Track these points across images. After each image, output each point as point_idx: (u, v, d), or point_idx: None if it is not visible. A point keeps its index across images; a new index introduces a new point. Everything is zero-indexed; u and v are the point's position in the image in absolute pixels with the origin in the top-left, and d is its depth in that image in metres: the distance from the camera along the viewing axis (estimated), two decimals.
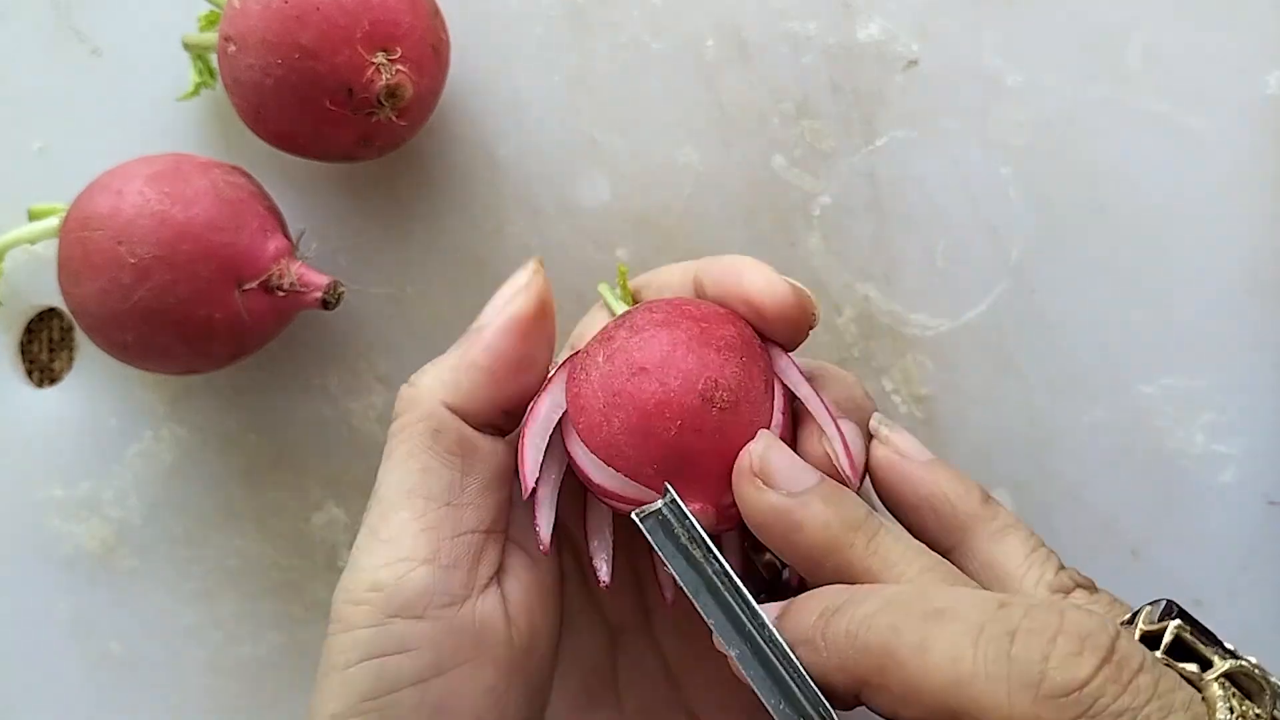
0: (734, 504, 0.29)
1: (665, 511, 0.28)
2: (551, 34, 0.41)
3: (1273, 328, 0.39)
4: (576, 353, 0.31)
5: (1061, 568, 0.29)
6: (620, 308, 0.33)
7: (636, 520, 0.28)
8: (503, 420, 0.32)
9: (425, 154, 0.41)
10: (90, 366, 0.43)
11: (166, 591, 0.43)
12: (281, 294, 0.37)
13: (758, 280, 0.31)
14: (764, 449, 0.29)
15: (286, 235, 0.38)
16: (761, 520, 0.28)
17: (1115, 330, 0.39)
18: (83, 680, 0.43)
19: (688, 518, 0.28)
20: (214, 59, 0.39)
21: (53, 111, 0.43)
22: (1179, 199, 0.39)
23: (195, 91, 0.41)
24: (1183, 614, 0.26)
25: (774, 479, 0.28)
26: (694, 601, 0.28)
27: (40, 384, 0.44)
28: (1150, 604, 0.27)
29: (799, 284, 0.31)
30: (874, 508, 0.30)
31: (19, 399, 0.43)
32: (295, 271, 0.37)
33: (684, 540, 0.28)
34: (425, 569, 0.29)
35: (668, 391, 0.29)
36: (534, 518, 0.31)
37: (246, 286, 0.36)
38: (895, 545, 0.28)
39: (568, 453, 0.31)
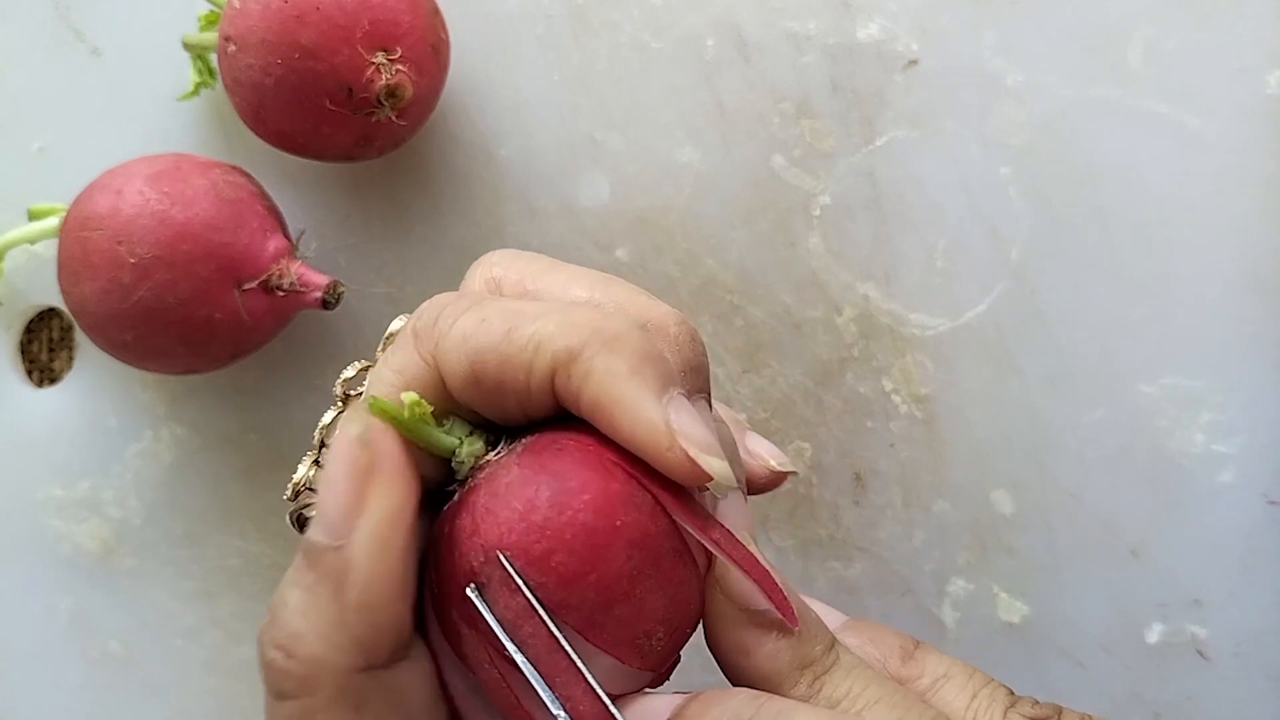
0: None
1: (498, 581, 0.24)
2: (551, 34, 0.41)
3: (1273, 328, 0.39)
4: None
5: (1013, 705, 0.26)
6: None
7: (471, 595, 0.24)
8: (410, 638, 0.25)
9: (425, 154, 0.41)
10: (90, 366, 0.43)
11: (166, 591, 0.43)
12: (281, 294, 0.37)
13: (637, 431, 0.24)
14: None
15: (286, 235, 0.38)
16: (715, 627, 0.26)
17: (1115, 330, 0.39)
18: (83, 680, 0.43)
19: (523, 588, 0.23)
20: (214, 59, 0.39)
21: (53, 111, 0.43)
22: (1179, 199, 0.39)
23: (195, 91, 0.41)
24: None
25: (732, 589, 0.26)
26: (515, 688, 0.24)
27: (40, 384, 0.44)
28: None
29: (687, 444, 0.24)
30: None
31: (19, 399, 0.43)
32: (295, 271, 0.37)
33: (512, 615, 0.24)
34: None
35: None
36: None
37: (246, 286, 0.36)
38: (842, 684, 0.25)
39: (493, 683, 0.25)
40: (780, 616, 0.25)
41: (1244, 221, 0.39)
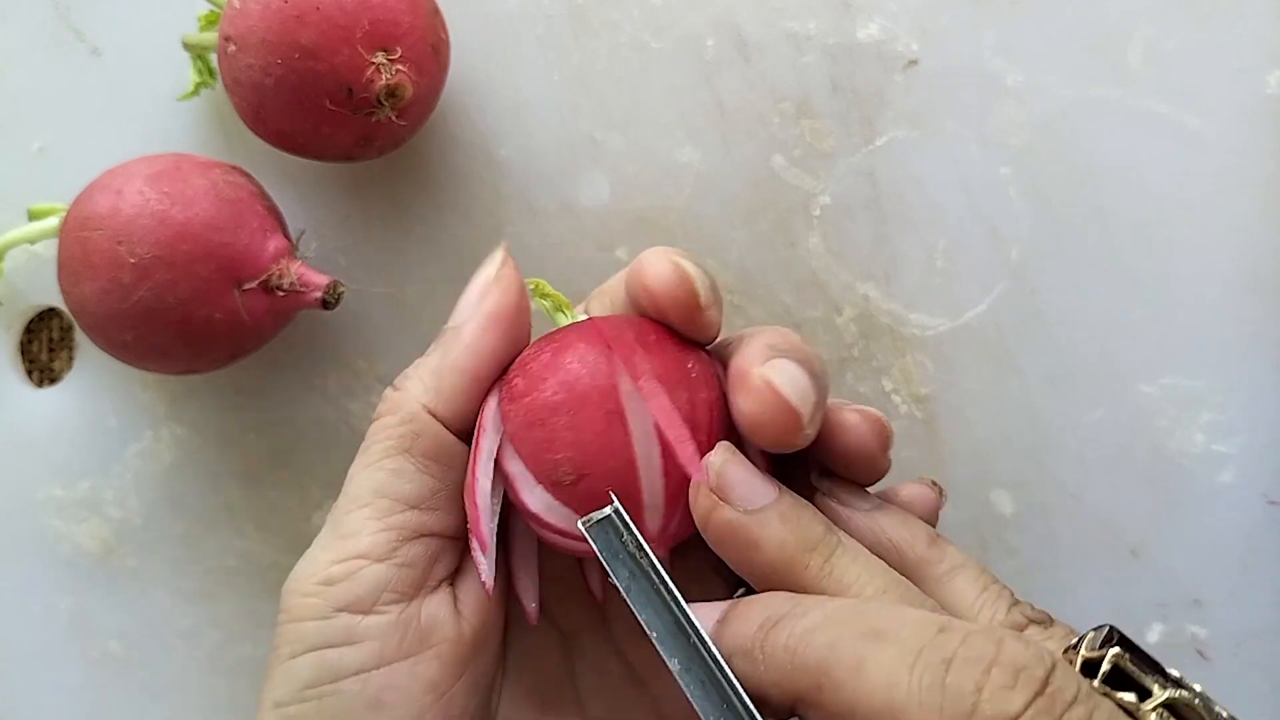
0: (681, 520, 0.29)
1: (612, 520, 0.28)
2: (551, 34, 0.41)
3: (1273, 328, 0.39)
4: (508, 377, 0.31)
5: (1015, 604, 0.29)
6: (561, 319, 0.33)
7: (582, 529, 0.28)
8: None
9: (425, 154, 0.41)
10: (90, 366, 0.43)
11: (166, 591, 0.43)
12: (281, 294, 0.37)
13: (649, 268, 0.30)
14: (721, 463, 0.28)
15: (286, 235, 0.38)
16: (717, 536, 0.28)
17: (1115, 330, 0.39)
18: (83, 680, 0.43)
19: (631, 528, 0.28)
20: (214, 59, 0.39)
21: (53, 111, 0.43)
22: (1179, 199, 0.39)
23: (195, 91, 0.41)
24: (1124, 640, 0.26)
25: (730, 494, 0.28)
26: (635, 612, 0.27)
27: (40, 384, 0.44)
28: (1094, 630, 0.26)
29: (689, 265, 0.30)
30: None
31: (19, 399, 0.43)
32: (295, 271, 0.37)
33: (629, 550, 0.28)
34: (379, 567, 0.29)
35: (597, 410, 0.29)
36: (476, 560, 0.30)
37: (246, 286, 0.36)
38: (852, 565, 0.28)
39: (506, 479, 0.30)
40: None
41: (1244, 221, 0.39)
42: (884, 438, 0.30)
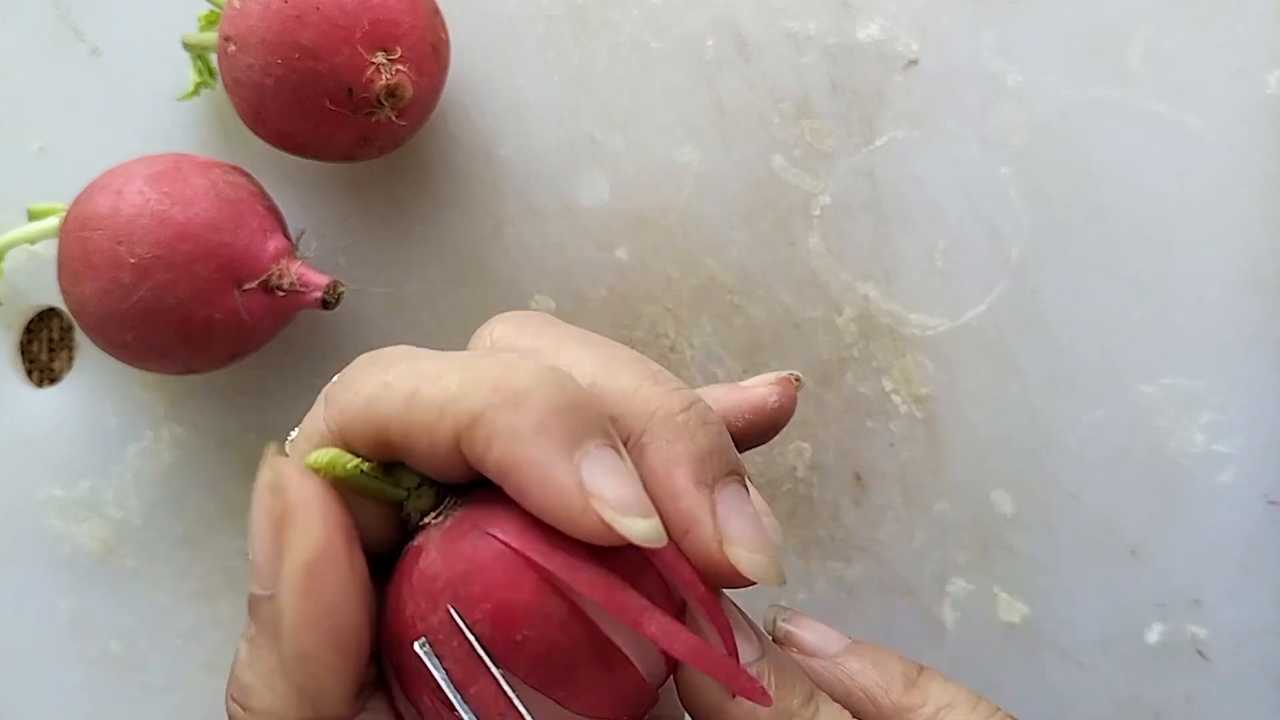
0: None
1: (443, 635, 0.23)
2: (551, 34, 0.41)
3: (1273, 328, 0.39)
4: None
5: None
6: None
7: (419, 651, 0.23)
8: (368, 688, 0.25)
9: (425, 154, 0.41)
10: (90, 366, 0.43)
11: (166, 591, 0.43)
12: (281, 294, 0.37)
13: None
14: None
15: (286, 235, 0.38)
16: (690, 694, 0.25)
17: (1115, 330, 0.39)
18: (83, 680, 0.43)
19: (471, 641, 0.23)
20: (214, 59, 0.39)
21: (53, 111, 0.43)
22: (1179, 199, 0.39)
23: (195, 91, 0.41)
24: None
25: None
26: None
27: (40, 384, 0.44)
28: None
29: (602, 506, 0.23)
30: None
31: (19, 399, 0.43)
32: (295, 271, 0.37)
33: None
34: None
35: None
36: None
37: (246, 286, 0.36)
38: None
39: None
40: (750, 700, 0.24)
41: (1244, 221, 0.39)
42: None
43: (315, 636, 0.22)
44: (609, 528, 0.22)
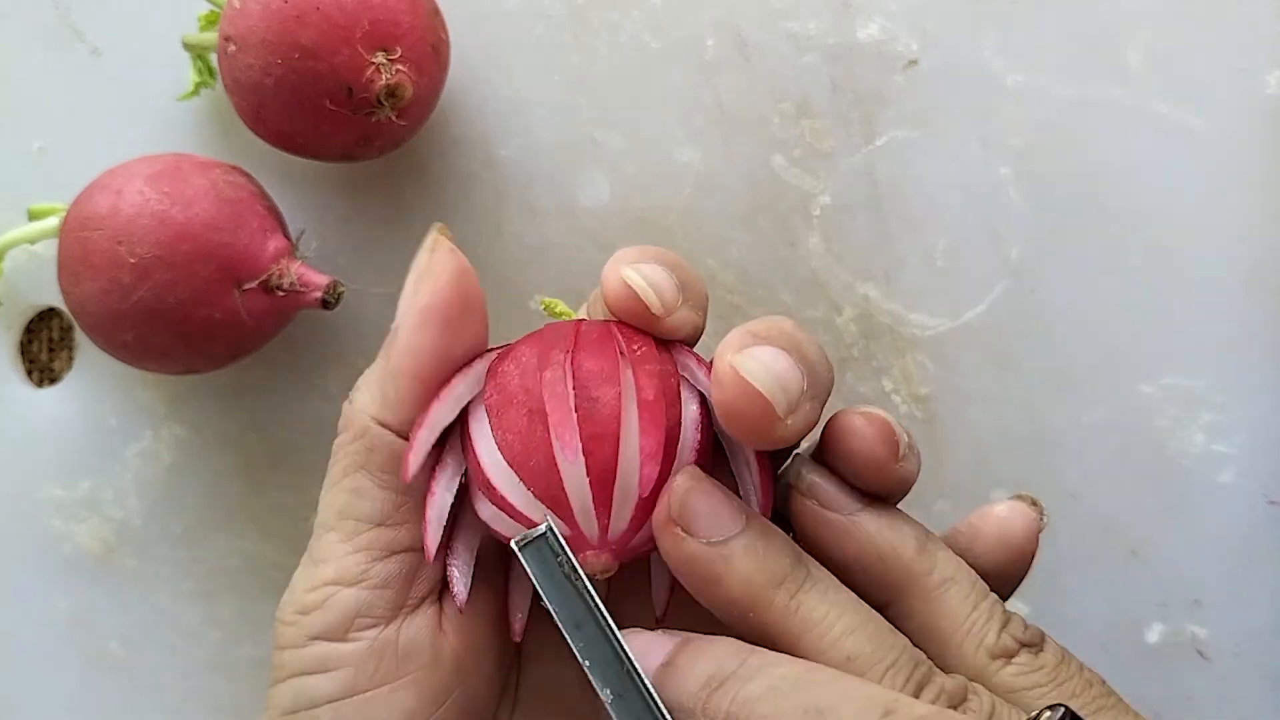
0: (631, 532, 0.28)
1: (546, 539, 0.26)
2: (551, 34, 0.41)
3: (1273, 328, 0.39)
4: (497, 353, 0.29)
5: (1006, 624, 0.28)
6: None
7: (515, 549, 0.26)
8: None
9: (425, 154, 0.41)
10: (90, 366, 0.43)
11: (166, 591, 0.43)
12: (281, 294, 0.37)
13: (604, 280, 0.29)
14: (684, 492, 0.27)
15: (286, 235, 0.38)
16: (680, 569, 0.27)
17: (1115, 330, 0.39)
18: (82, 680, 0.43)
19: (565, 548, 0.26)
20: (214, 59, 0.39)
21: (53, 111, 0.43)
22: (1179, 199, 0.39)
23: (195, 91, 0.41)
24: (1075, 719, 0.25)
25: (694, 526, 0.26)
26: (569, 639, 0.26)
27: (40, 384, 0.44)
28: (1049, 709, 0.26)
29: (639, 277, 0.28)
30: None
31: (19, 399, 0.43)
32: (295, 271, 0.37)
33: (564, 571, 0.26)
34: (350, 592, 0.28)
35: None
36: (448, 571, 0.29)
37: (246, 286, 0.36)
38: (819, 603, 0.26)
39: (471, 458, 0.28)
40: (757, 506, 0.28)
41: (1244, 221, 0.39)
42: (891, 443, 0.28)
43: (412, 359, 0.28)
44: (619, 272, 0.28)
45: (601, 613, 0.26)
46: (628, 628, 0.27)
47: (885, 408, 0.40)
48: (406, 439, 0.28)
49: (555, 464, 0.27)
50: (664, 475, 0.27)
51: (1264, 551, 0.39)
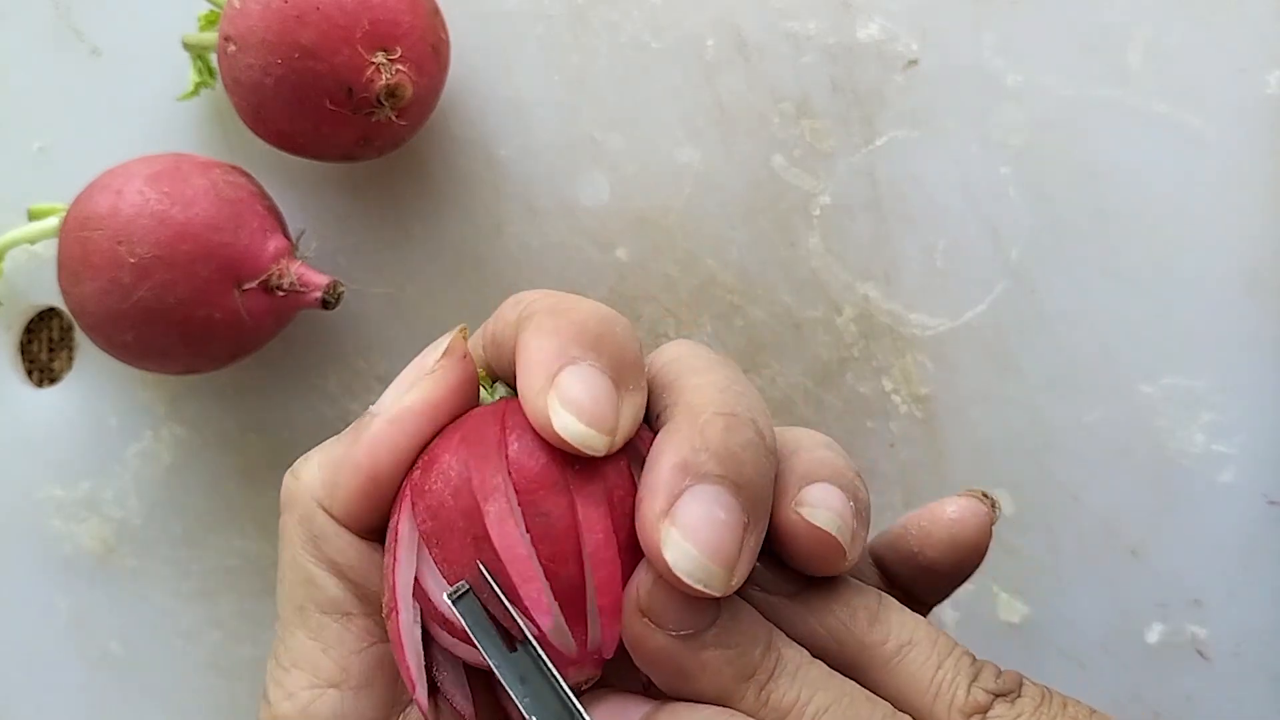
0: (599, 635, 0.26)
1: (482, 602, 0.25)
2: (551, 34, 0.41)
3: (1273, 328, 0.39)
4: (418, 470, 0.27)
5: (976, 677, 0.26)
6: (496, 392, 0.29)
7: (448, 601, 0.25)
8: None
9: (425, 154, 0.41)
10: (90, 366, 0.43)
11: (166, 591, 0.43)
12: (281, 294, 0.37)
13: (533, 408, 0.25)
14: (652, 584, 0.25)
15: (286, 235, 0.38)
16: (648, 662, 0.25)
17: (1115, 330, 0.39)
18: (82, 680, 0.43)
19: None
20: (214, 59, 0.39)
21: (53, 111, 0.43)
22: (1179, 199, 0.39)
23: (195, 91, 0.41)
24: None
25: (663, 618, 0.25)
26: (514, 699, 0.24)
27: (40, 384, 0.44)
28: None
29: (577, 418, 0.24)
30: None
31: (19, 399, 0.43)
32: (295, 271, 0.37)
33: (501, 626, 0.25)
34: (333, 694, 0.26)
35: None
36: (443, 691, 0.26)
37: (246, 286, 0.36)
38: (790, 689, 0.25)
39: (417, 589, 0.26)
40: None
41: (1244, 221, 0.39)
42: (835, 551, 0.26)
43: (377, 457, 0.26)
44: (546, 416, 0.24)
45: (550, 669, 0.25)
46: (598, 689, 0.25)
47: (885, 408, 0.40)
48: (351, 530, 0.26)
49: (518, 596, 0.24)
50: (629, 570, 0.25)
51: (1264, 551, 0.39)
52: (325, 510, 0.27)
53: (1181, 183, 0.39)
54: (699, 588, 0.24)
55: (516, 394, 0.26)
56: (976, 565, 0.30)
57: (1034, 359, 0.40)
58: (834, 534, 0.25)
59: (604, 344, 0.25)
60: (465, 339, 0.27)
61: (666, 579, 0.24)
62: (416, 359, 0.27)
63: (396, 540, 0.26)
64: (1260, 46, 0.39)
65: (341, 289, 0.38)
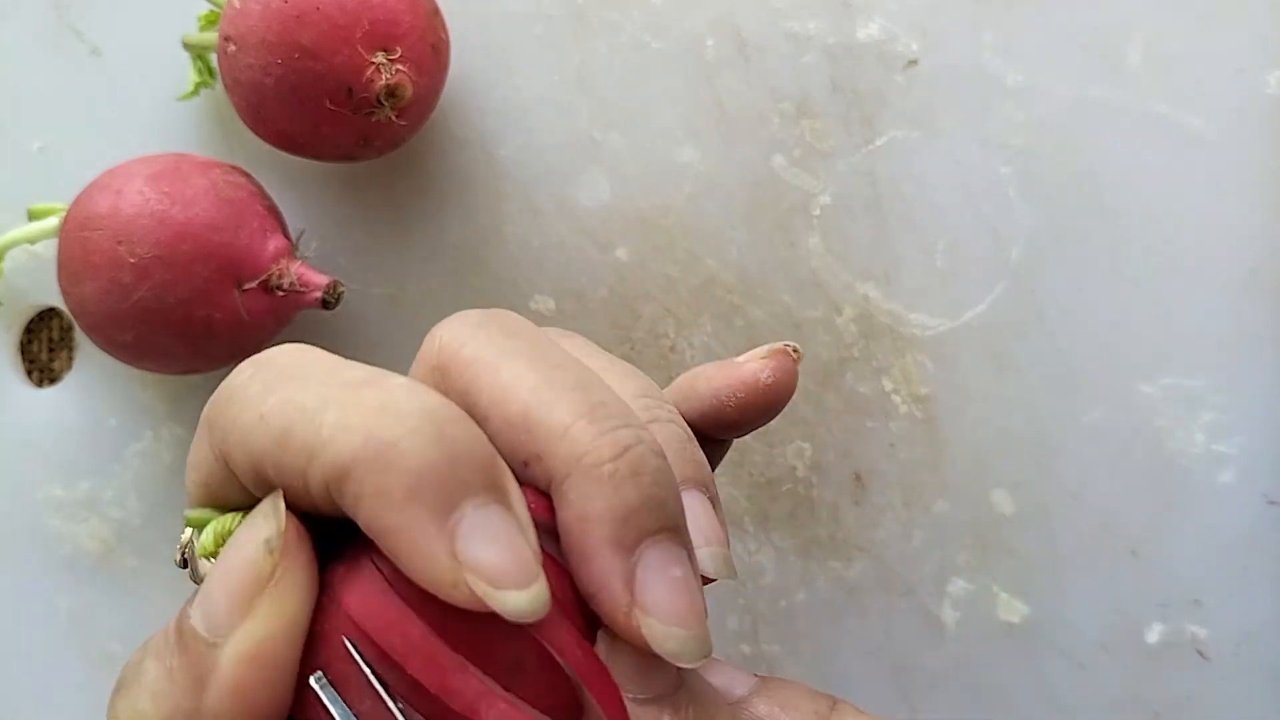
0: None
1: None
2: (551, 34, 0.41)
3: (1273, 328, 0.39)
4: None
5: None
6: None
7: (315, 686, 0.22)
8: None
9: (425, 154, 0.41)
10: (90, 366, 0.43)
11: (166, 591, 0.43)
12: (281, 294, 0.37)
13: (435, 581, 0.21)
14: (608, 650, 0.23)
15: (286, 235, 0.38)
16: None
17: (1115, 330, 0.39)
18: (82, 680, 0.43)
19: (366, 673, 0.21)
20: (214, 59, 0.39)
21: (53, 111, 0.43)
22: (1179, 199, 0.39)
23: (195, 91, 0.41)
24: None
25: (625, 685, 0.22)
26: None
27: (40, 384, 0.44)
28: None
29: (475, 580, 0.21)
30: None
31: (19, 399, 0.43)
32: (295, 271, 0.37)
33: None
34: None
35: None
36: None
37: (246, 286, 0.36)
38: None
39: None
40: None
41: (1244, 221, 0.39)
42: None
43: (246, 707, 0.21)
44: (482, 601, 0.20)
45: None
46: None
47: (885, 408, 0.40)
48: None
49: None
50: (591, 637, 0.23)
51: (1264, 551, 0.39)
52: None
53: (1181, 183, 0.39)
54: (701, 660, 0.22)
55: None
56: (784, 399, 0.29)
57: (1034, 359, 0.40)
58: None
59: (461, 477, 0.21)
60: (289, 519, 0.22)
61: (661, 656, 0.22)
62: (233, 548, 0.22)
63: None
64: (1260, 46, 0.39)
65: (341, 289, 0.38)
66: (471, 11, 0.41)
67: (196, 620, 0.22)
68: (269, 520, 0.22)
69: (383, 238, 0.42)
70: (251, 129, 0.38)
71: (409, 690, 0.21)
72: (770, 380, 0.28)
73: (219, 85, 0.41)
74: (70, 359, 0.44)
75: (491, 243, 0.41)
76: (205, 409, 0.24)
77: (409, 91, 0.36)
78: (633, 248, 0.41)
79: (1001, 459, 0.40)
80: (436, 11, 0.38)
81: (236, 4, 0.36)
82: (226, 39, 0.36)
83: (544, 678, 0.22)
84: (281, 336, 0.40)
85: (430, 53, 0.37)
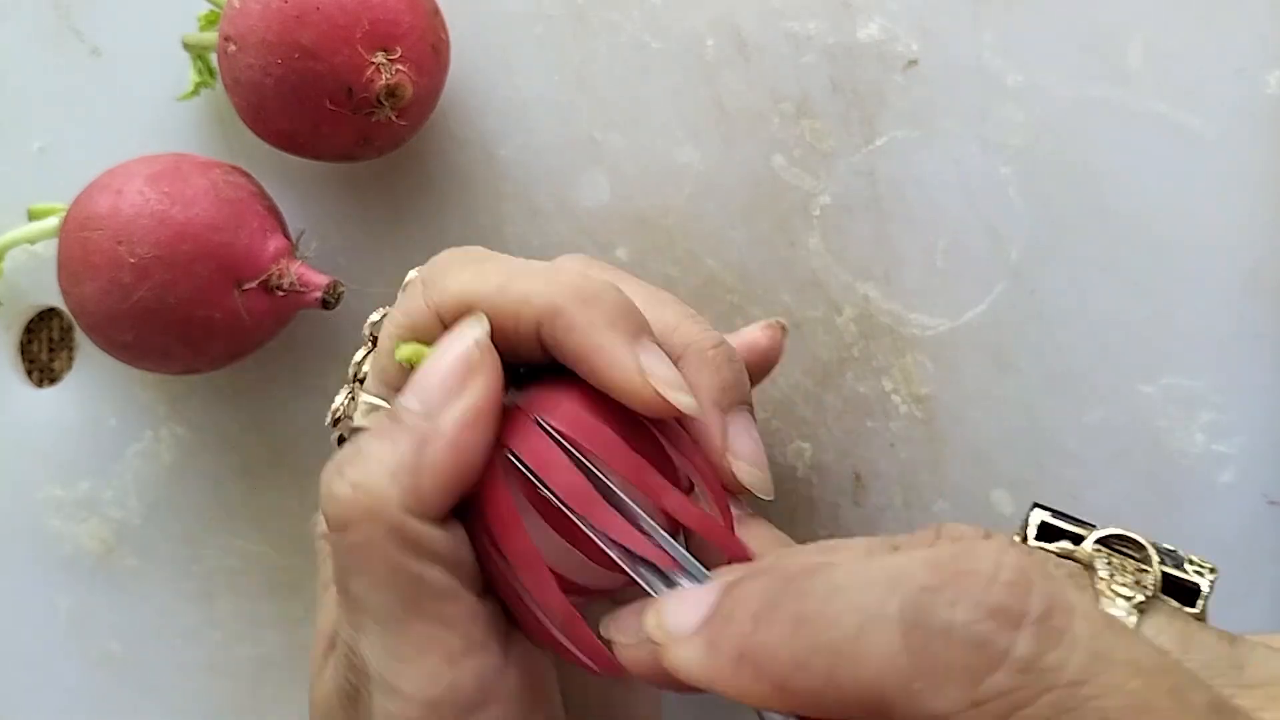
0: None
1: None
2: (551, 34, 0.41)
3: (1273, 328, 0.39)
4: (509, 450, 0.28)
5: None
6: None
7: (512, 457, 0.27)
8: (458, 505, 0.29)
9: (425, 154, 0.41)
10: (90, 366, 0.43)
11: (166, 591, 0.43)
12: (281, 294, 0.37)
13: (634, 390, 0.28)
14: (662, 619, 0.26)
15: (286, 235, 0.38)
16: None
17: (1115, 330, 0.39)
18: (83, 680, 0.43)
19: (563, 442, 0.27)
20: (214, 59, 0.39)
21: (53, 111, 0.43)
22: (1179, 199, 0.39)
23: (195, 91, 0.41)
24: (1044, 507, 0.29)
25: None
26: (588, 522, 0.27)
27: (40, 384, 0.44)
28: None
29: (679, 389, 0.28)
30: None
31: (19, 399, 0.43)
32: (295, 271, 0.37)
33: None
34: (470, 662, 0.27)
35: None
36: (577, 647, 0.28)
37: (246, 286, 0.36)
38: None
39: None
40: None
41: (1244, 221, 0.39)
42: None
43: (460, 458, 0.27)
44: (662, 398, 0.27)
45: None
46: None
47: (885, 408, 0.40)
48: (434, 523, 0.27)
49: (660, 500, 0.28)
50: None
51: (1264, 551, 0.39)
52: (412, 513, 0.27)
53: (1181, 183, 0.39)
54: (770, 496, 0.30)
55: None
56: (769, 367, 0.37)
57: (1034, 359, 0.40)
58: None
59: (637, 319, 0.29)
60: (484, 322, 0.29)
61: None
62: (446, 347, 0.28)
63: (502, 513, 0.27)
64: (1260, 46, 0.39)
65: (341, 289, 0.38)
66: (471, 11, 0.41)
67: (411, 402, 0.28)
68: (476, 327, 0.28)
69: (383, 238, 0.42)
70: (251, 129, 0.38)
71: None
72: (767, 344, 0.36)
73: (219, 85, 0.41)
74: (70, 359, 0.44)
75: (491, 243, 0.41)
76: (424, 272, 0.30)
77: (409, 91, 0.36)
78: (633, 248, 0.41)
79: (1001, 459, 0.40)
80: (436, 11, 0.38)
81: (236, 4, 0.36)
82: (226, 39, 0.36)
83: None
84: (281, 336, 0.40)
85: (430, 53, 0.37)
